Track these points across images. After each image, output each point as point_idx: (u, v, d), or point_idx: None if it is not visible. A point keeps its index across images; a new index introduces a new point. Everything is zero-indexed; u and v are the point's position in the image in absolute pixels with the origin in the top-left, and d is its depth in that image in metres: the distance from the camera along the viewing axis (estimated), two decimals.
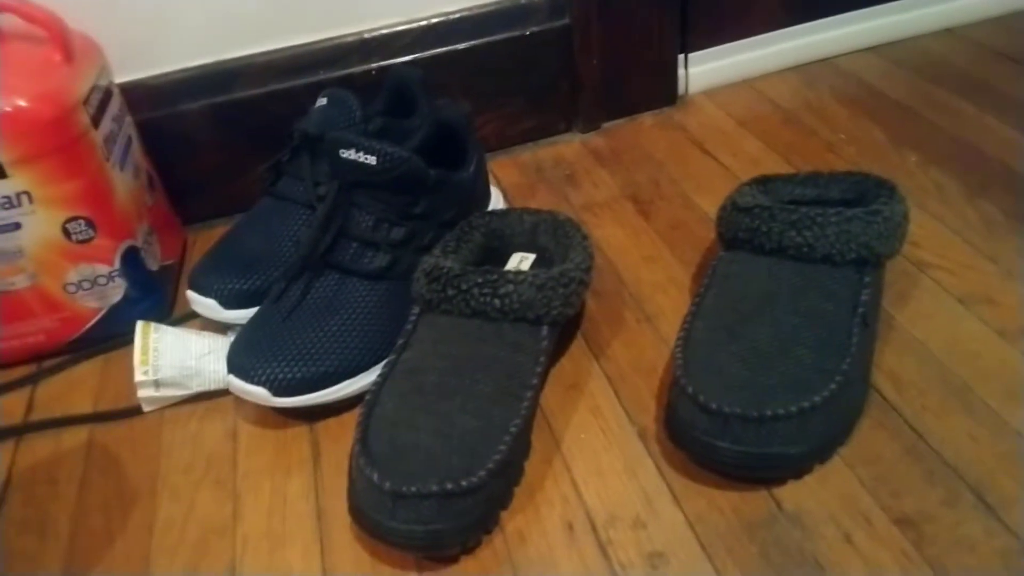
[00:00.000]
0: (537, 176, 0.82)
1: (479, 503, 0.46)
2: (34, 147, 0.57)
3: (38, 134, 0.57)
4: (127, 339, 0.61)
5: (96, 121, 0.61)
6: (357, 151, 0.57)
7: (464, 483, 0.45)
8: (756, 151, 0.80)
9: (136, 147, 0.70)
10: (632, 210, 0.75)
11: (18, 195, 0.58)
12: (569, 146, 0.86)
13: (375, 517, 0.45)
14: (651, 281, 0.67)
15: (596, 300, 0.65)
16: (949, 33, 0.94)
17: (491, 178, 0.75)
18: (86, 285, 0.63)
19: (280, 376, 0.54)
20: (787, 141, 0.81)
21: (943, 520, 0.46)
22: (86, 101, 0.60)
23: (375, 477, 0.45)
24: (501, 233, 0.64)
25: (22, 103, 0.56)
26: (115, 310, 0.65)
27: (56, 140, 0.57)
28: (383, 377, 0.53)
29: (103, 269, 0.63)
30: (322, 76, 0.76)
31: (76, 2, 0.66)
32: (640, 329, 0.62)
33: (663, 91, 0.88)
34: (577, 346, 0.62)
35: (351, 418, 0.57)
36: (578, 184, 0.80)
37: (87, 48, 0.65)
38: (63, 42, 0.60)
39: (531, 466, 0.52)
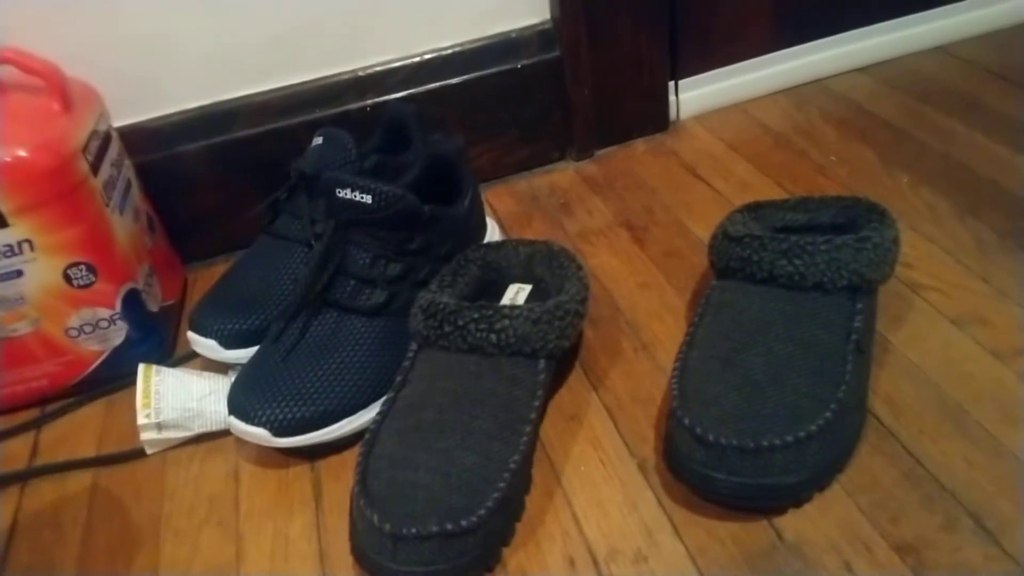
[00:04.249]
0: (533, 205, 0.83)
1: (480, 541, 0.46)
2: (34, 196, 0.58)
3: (38, 183, 0.58)
4: (129, 381, 0.61)
5: (95, 168, 0.62)
6: (353, 191, 0.58)
7: (464, 522, 0.45)
8: (748, 175, 0.81)
9: (135, 190, 0.71)
10: (627, 237, 0.76)
11: (19, 243, 0.59)
12: (564, 174, 0.87)
13: (376, 559, 0.46)
14: (647, 309, 0.67)
15: (593, 329, 0.66)
16: (938, 51, 0.95)
17: (487, 208, 0.75)
18: (88, 329, 0.64)
19: (280, 416, 0.55)
20: (778, 164, 0.82)
21: (942, 546, 0.46)
22: (85, 148, 0.61)
23: (375, 518, 0.45)
24: (497, 265, 0.65)
25: (22, 153, 0.57)
26: (117, 352, 0.66)
27: (56, 188, 0.58)
28: (382, 415, 0.53)
29: (104, 312, 0.64)
30: (318, 114, 0.77)
31: (74, 50, 0.67)
32: (637, 358, 0.63)
33: (655, 117, 0.89)
34: (575, 376, 0.62)
35: (352, 455, 0.57)
36: (573, 212, 0.80)
37: (85, 95, 0.66)
38: (61, 91, 0.61)
39: (532, 500, 0.53)
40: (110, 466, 0.61)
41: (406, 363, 0.56)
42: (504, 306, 0.55)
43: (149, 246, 0.71)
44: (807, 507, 0.49)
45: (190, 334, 0.64)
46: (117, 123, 0.72)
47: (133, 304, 0.65)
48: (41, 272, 0.60)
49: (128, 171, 0.70)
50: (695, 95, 0.90)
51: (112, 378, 0.67)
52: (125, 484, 0.59)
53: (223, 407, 0.58)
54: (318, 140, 0.67)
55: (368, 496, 0.47)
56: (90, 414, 0.66)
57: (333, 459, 0.58)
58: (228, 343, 0.63)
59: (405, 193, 0.58)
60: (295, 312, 0.59)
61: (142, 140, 0.74)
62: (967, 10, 0.94)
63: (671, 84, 0.88)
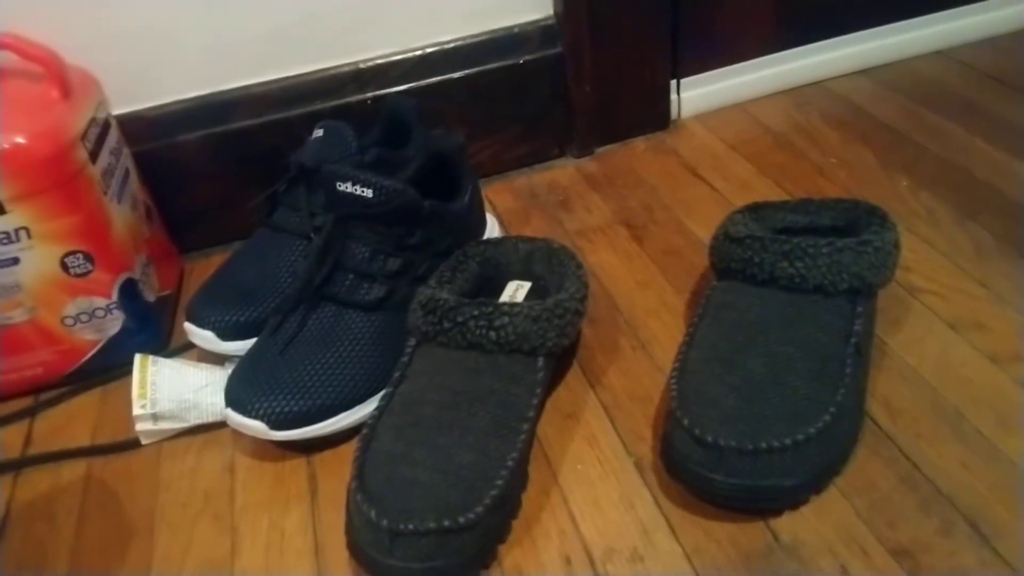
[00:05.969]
0: (531, 201, 0.82)
1: (477, 538, 0.46)
2: (32, 183, 0.57)
3: (36, 171, 0.57)
4: (125, 371, 0.61)
5: (94, 155, 0.62)
6: (354, 184, 0.58)
7: (461, 519, 0.45)
8: (748, 175, 0.81)
9: (134, 179, 0.70)
10: (625, 235, 0.75)
11: (16, 231, 0.58)
12: (563, 171, 0.86)
13: (373, 554, 0.45)
14: (645, 307, 0.67)
15: (591, 327, 0.66)
16: (939, 55, 0.95)
17: (487, 204, 0.75)
18: (84, 318, 0.64)
19: (277, 409, 0.55)
20: (778, 165, 0.82)
21: (938, 550, 0.46)
22: (84, 136, 0.61)
23: (372, 514, 0.45)
24: (496, 262, 0.64)
25: (21, 140, 0.56)
26: (113, 342, 0.66)
27: (54, 176, 0.58)
28: (380, 410, 0.53)
29: (101, 302, 0.64)
30: (318, 106, 0.77)
31: (74, 37, 0.67)
32: (635, 356, 0.63)
33: (655, 116, 0.89)
34: (573, 374, 0.62)
35: (348, 450, 0.57)
36: (572, 209, 0.80)
37: (85, 82, 0.66)
38: (61, 78, 0.61)
39: (528, 498, 0.53)
40: (104, 456, 0.60)
41: (404, 359, 0.56)
42: (504, 303, 0.54)
43: (147, 236, 0.70)
44: (804, 509, 0.49)
45: (187, 325, 0.64)
46: (116, 111, 0.71)
47: (130, 294, 0.65)
48: (38, 260, 0.60)
49: (127, 160, 0.70)
50: (696, 94, 0.90)
51: (108, 368, 0.66)
52: (120, 475, 0.59)
53: (219, 399, 0.58)
54: (319, 132, 0.67)
55: (365, 492, 0.47)
56: (85, 404, 0.65)
57: (329, 453, 0.58)
58: (225, 335, 0.62)
59: (406, 188, 0.58)
60: (293, 305, 0.59)
61: (141, 129, 0.73)
62: (967, 15, 0.95)
63: (672, 83, 0.88)
